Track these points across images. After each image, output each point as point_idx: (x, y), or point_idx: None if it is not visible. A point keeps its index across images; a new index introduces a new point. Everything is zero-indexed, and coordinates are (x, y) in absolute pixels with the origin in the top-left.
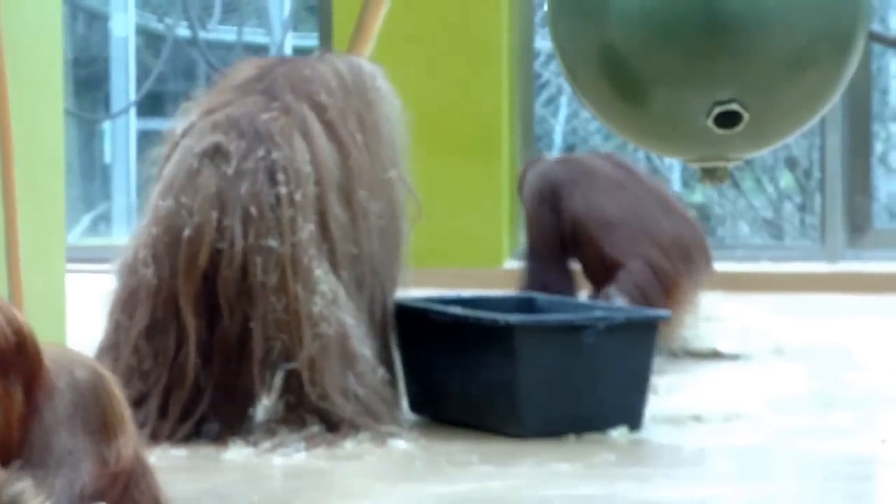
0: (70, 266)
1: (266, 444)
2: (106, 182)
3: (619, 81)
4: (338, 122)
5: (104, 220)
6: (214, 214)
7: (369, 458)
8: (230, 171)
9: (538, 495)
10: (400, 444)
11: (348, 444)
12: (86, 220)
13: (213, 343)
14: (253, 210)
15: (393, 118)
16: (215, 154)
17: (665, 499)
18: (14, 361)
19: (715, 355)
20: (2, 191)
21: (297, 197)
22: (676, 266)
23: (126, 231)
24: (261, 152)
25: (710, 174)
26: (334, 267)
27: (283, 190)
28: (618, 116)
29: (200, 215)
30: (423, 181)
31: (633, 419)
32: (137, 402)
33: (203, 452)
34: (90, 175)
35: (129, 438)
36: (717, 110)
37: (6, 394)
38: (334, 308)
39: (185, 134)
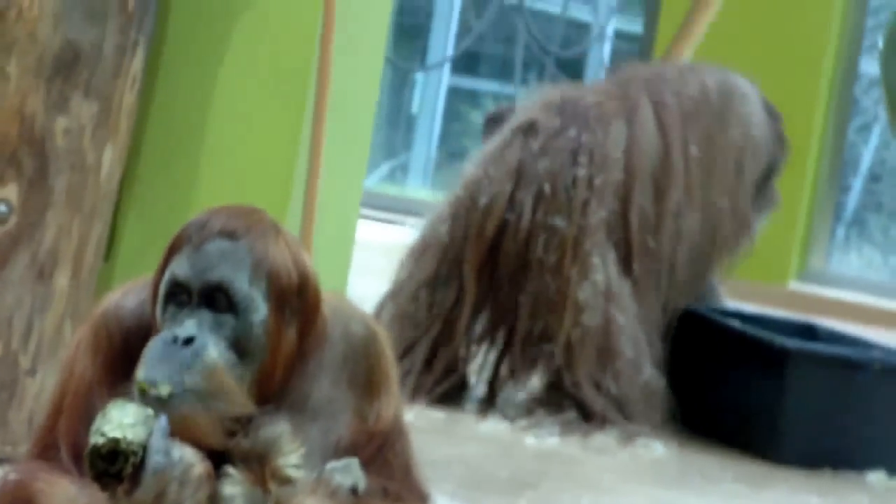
0: (362, 211)
1: (522, 423)
2: (409, 132)
3: None
4: (674, 124)
5: (402, 169)
6: (509, 186)
7: (622, 456)
8: (536, 146)
9: None
10: (656, 448)
11: (601, 438)
12: (384, 167)
13: (485, 309)
14: (546, 187)
15: (750, 148)
16: (528, 130)
17: None
18: (293, 302)
19: None
20: (311, 127)
21: (597, 181)
22: None
23: (421, 184)
24: (571, 132)
25: None
26: (625, 257)
27: (581, 172)
28: None
29: (498, 186)
30: None
31: (893, 464)
32: (406, 351)
33: (460, 419)
34: (395, 123)
35: (392, 399)
36: None
37: (278, 330)
38: (603, 300)
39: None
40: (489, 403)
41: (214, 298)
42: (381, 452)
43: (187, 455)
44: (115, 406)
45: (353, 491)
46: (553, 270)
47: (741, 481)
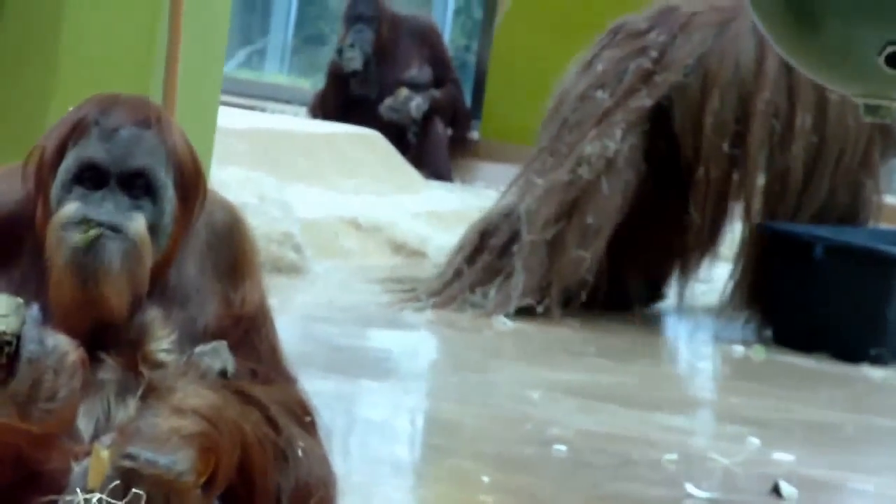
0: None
1: (384, 299)
2: (266, 17)
3: (795, 7)
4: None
5: (259, 55)
6: (576, 79)
7: (487, 333)
8: (613, 42)
9: (649, 396)
10: (509, 325)
11: (463, 317)
12: (241, 53)
13: None
14: (599, 67)
15: None
16: (616, 30)
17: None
18: (192, 192)
19: None
20: (169, 15)
21: (657, 78)
22: None
23: (279, 69)
24: (651, 35)
25: (873, 111)
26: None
27: (645, 64)
28: (790, 42)
29: (568, 81)
30: None
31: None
32: None
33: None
34: (251, 8)
35: (257, 285)
36: (890, 50)
37: (181, 219)
38: (603, 165)
39: None
40: None
41: (133, 184)
42: (248, 336)
43: (61, 343)
44: None
45: (223, 374)
46: (573, 127)
47: (604, 356)
